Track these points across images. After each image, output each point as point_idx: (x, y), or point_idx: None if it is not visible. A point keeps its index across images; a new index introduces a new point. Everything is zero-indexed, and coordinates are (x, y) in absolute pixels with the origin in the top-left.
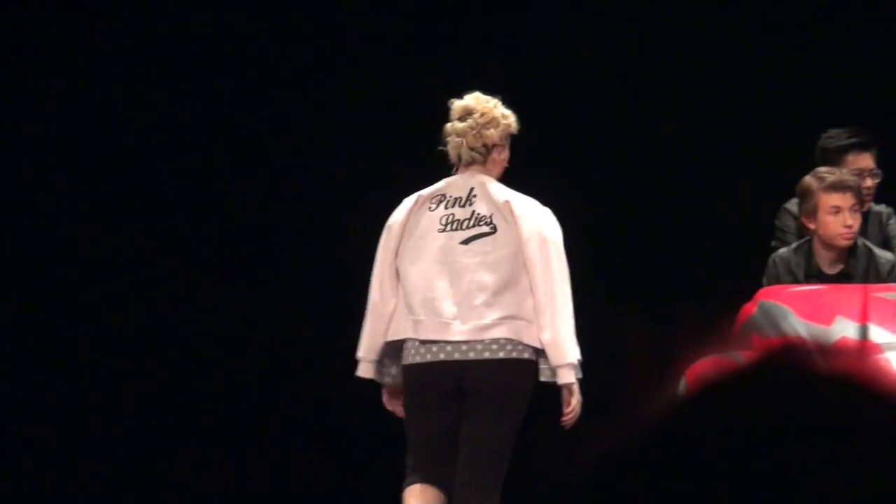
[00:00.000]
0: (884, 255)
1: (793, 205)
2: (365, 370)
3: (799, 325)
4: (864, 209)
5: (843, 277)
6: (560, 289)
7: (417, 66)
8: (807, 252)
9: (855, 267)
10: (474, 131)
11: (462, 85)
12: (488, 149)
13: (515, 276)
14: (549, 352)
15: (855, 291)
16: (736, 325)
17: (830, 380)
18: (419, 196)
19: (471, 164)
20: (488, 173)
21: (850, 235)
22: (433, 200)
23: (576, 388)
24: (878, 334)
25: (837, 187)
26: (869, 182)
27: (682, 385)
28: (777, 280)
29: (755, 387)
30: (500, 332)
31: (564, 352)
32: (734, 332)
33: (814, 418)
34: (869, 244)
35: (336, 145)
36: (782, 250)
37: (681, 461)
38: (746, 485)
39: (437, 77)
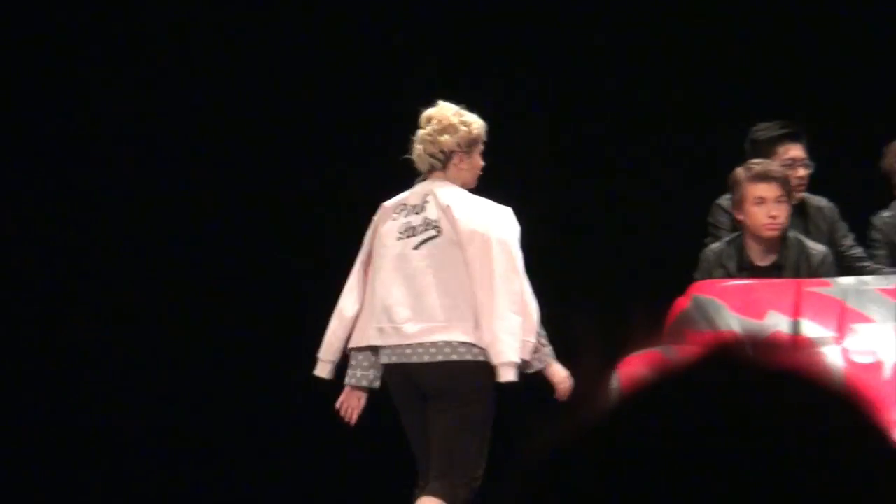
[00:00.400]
0: (815, 246)
1: (725, 200)
2: (321, 370)
3: (732, 320)
4: (795, 201)
5: (775, 270)
6: (502, 288)
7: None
8: (738, 245)
9: (786, 259)
10: (431, 138)
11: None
12: (446, 155)
13: (465, 277)
14: (489, 351)
15: (788, 286)
16: (669, 319)
17: (771, 375)
18: (383, 206)
19: (431, 171)
20: (452, 180)
21: (774, 226)
22: (396, 210)
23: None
24: (810, 329)
25: (762, 177)
26: (801, 172)
27: (615, 380)
28: (709, 273)
29: (694, 383)
30: (452, 335)
31: (499, 352)
32: (667, 327)
33: (755, 414)
34: (801, 236)
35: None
36: (715, 244)
37: (616, 461)
38: (684, 483)
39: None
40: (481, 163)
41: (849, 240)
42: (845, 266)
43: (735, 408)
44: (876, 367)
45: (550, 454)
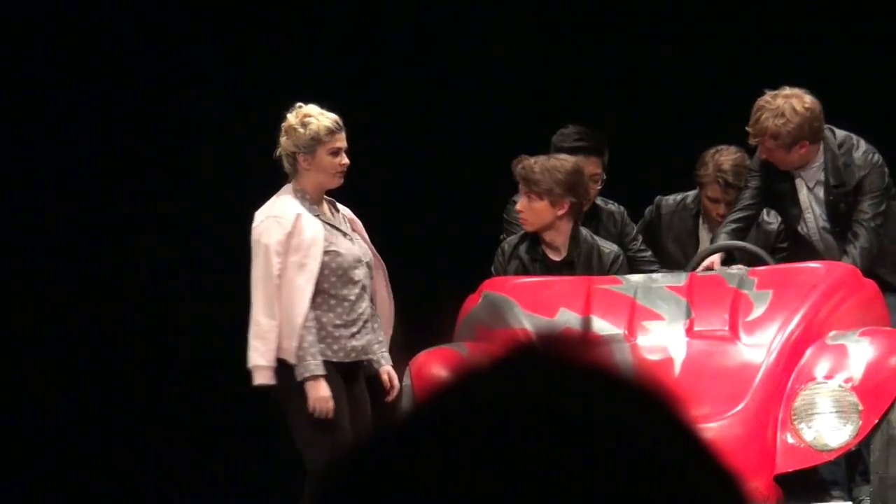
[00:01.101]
0: (608, 245)
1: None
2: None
3: (523, 317)
4: (586, 207)
5: (567, 266)
6: (254, 293)
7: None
8: (534, 238)
9: (578, 255)
10: (280, 143)
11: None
12: (289, 158)
13: None
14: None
15: (579, 284)
16: (460, 316)
17: (571, 372)
18: None
19: (291, 175)
20: (302, 184)
21: (521, 220)
22: None
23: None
24: (601, 326)
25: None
26: (592, 188)
27: (407, 377)
28: (504, 266)
29: (493, 384)
30: None
31: (248, 356)
32: (458, 324)
33: (558, 412)
34: (593, 236)
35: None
36: (511, 237)
37: (416, 463)
38: (487, 482)
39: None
40: (335, 161)
41: (638, 243)
42: (634, 268)
43: (537, 406)
44: (666, 363)
45: (348, 455)
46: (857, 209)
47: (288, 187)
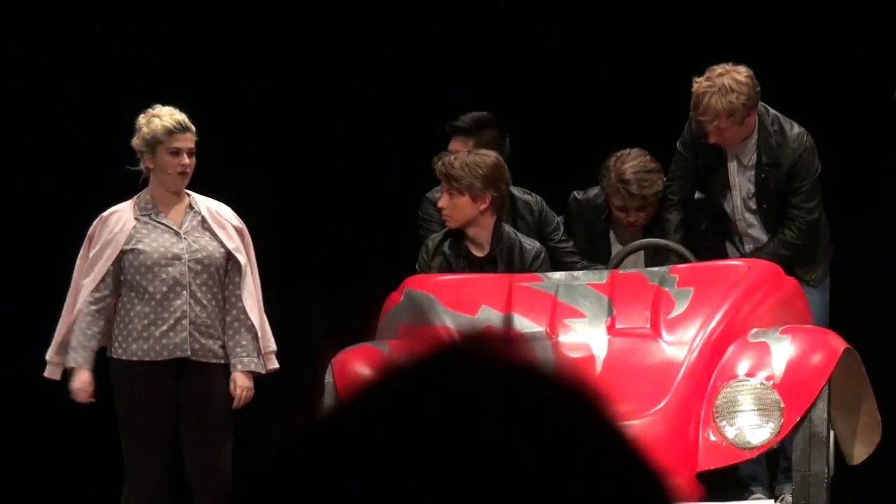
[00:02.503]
0: (529, 242)
1: (434, 194)
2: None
3: (445, 314)
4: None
5: (490, 262)
6: None
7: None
8: (457, 235)
9: (500, 252)
10: None
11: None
12: (140, 157)
13: None
14: None
15: (500, 281)
16: (382, 313)
17: (496, 370)
18: None
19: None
20: (151, 185)
21: (445, 217)
22: None
23: None
24: (522, 324)
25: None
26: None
27: (329, 375)
28: (428, 263)
29: (419, 382)
30: None
31: None
32: (380, 321)
33: (486, 411)
34: (515, 232)
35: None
36: (436, 234)
37: (341, 464)
38: (415, 482)
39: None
40: (174, 161)
41: (559, 234)
42: (554, 259)
43: (460, 404)
44: (588, 361)
45: (273, 456)
46: (791, 201)
47: (149, 188)
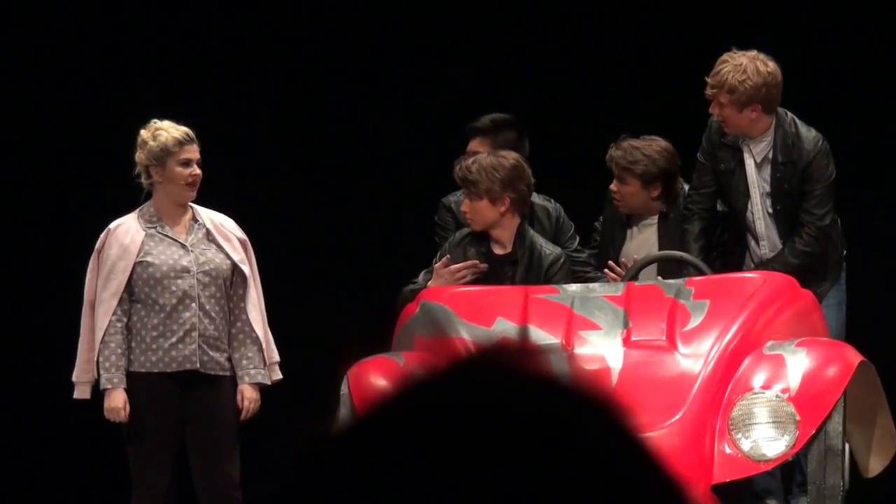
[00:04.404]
0: (550, 247)
1: (450, 198)
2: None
3: (461, 326)
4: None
5: (510, 262)
6: None
7: None
8: (481, 233)
9: (523, 254)
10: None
11: None
12: (145, 172)
13: None
14: None
15: (516, 293)
16: (398, 325)
17: (520, 382)
18: None
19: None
20: (155, 198)
21: (469, 222)
22: None
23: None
24: (538, 336)
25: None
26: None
27: (345, 387)
28: (449, 252)
29: (438, 390)
30: None
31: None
32: (396, 333)
33: (510, 422)
34: (538, 236)
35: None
36: (463, 229)
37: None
38: (437, 485)
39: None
40: (185, 172)
41: (575, 243)
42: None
43: (484, 418)
44: (604, 373)
45: (292, 468)
46: (802, 206)
47: (152, 203)
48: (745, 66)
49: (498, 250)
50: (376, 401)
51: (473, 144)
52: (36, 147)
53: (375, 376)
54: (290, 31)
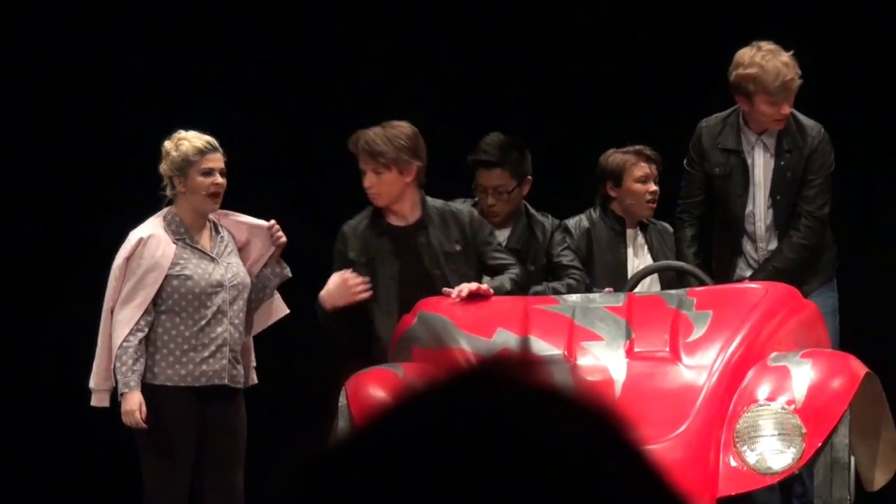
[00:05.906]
0: (458, 205)
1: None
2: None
3: (460, 337)
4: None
5: (421, 228)
6: (102, 316)
7: None
8: (375, 214)
9: (432, 217)
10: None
11: None
12: (169, 182)
13: None
14: None
15: (516, 303)
16: (395, 335)
17: (521, 394)
18: None
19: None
20: (178, 207)
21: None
22: None
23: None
24: (539, 347)
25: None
26: (492, 200)
27: (343, 397)
28: (345, 255)
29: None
30: None
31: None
32: (394, 344)
33: (510, 434)
34: (436, 199)
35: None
36: (350, 220)
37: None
38: (437, 496)
39: None
40: (207, 181)
41: (560, 248)
42: (556, 275)
43: (485, 430)
44: (607, 385)
45: (291, 481)
46: (802, 194)
47: (162, 211)
48: (770, 50)
49: (399, 223)
50: (375, 412)
51: (485, 177)
52: (54, 152)
53: (374, 388)
54: (291, 37)
